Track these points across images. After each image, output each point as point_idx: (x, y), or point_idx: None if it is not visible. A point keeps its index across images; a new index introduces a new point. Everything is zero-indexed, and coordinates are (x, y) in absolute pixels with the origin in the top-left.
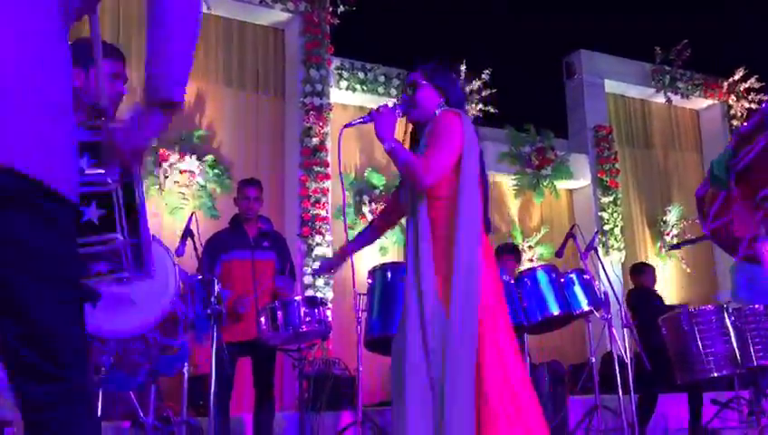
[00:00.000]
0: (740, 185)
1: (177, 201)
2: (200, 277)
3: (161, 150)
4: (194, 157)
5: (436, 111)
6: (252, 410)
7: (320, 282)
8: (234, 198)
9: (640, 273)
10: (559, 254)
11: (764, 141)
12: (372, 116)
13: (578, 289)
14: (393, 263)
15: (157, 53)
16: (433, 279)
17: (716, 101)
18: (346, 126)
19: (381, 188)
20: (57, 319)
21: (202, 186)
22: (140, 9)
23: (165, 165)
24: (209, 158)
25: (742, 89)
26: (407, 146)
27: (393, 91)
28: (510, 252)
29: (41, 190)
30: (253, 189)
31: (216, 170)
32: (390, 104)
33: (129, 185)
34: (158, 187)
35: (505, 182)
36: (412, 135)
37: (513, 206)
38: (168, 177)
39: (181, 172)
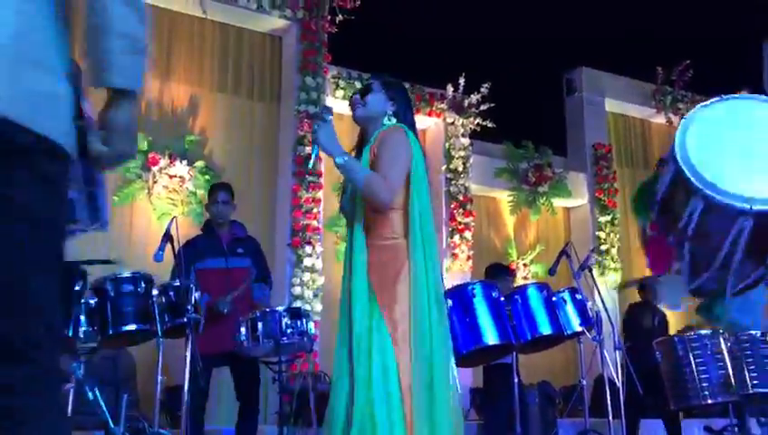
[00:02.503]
0: (661, 216)
1: (166, 206)
2: (177, 283)
3: (151, 154)
4: (184, 162)
5: (383, 120)
6: (229, 421)
7: (308, 293)
8: (205, 204)
9: (645, 287)
10: (551, 272)
11: (673, 171)
12: (314, 140)
13: (570, 309)
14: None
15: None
16: (367, 284)
17: None
18: (308, 170)
19: None
20: (39, 290)
21: (192, 192)
22: None
23: (154, 169)
24: (200, 164)
25: None
26: (354, 151)
27: None
28: (508, 273)
29: (43, 146)
30: (222, 193)
31: (206, 176)
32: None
33: (82, 128)
34: (146, 191)
35: (501, 198)
36: (360, 138)
37: (509, 222)
38: (156, 181)
39: (170, 177)
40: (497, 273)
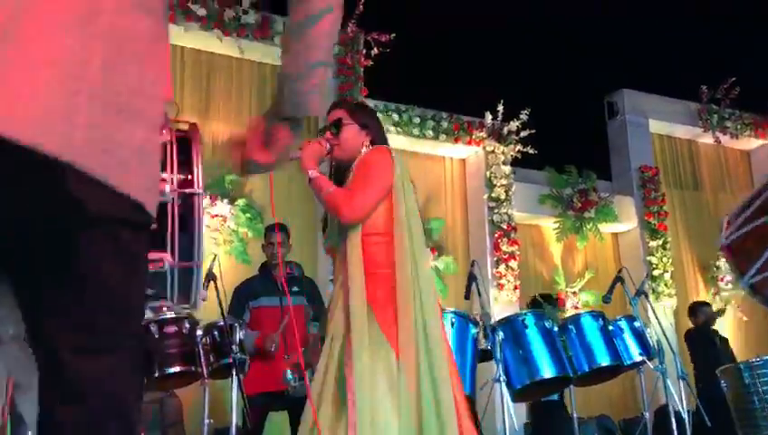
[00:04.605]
0: None
1: (209, 246)
2: (221, 323)
3: None
4: (225, 201)
5: (362, 150)
6: None
7: None
8: (261, 244)
9: (694, 312)
10: (606, 299)
11: None
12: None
13: (628, 337)
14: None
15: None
16: (364, 310)
17: None
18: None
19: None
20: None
21: (233, 230)
22: None
23: None
24: (241, 202)
25: None
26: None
27: (429, 133)
28: (552, 302)
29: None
30: (277, 234)
31: (248, 214)
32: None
33: (189, 196)
34: None
35: (546, 225)
36: (336, 175)
37: (556, 250)
38: None
39: (212, 217)
40: (540, 304)
